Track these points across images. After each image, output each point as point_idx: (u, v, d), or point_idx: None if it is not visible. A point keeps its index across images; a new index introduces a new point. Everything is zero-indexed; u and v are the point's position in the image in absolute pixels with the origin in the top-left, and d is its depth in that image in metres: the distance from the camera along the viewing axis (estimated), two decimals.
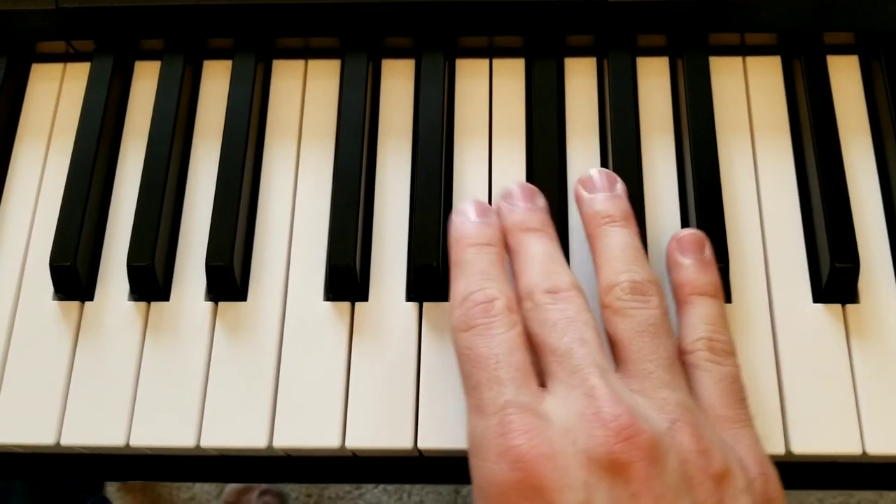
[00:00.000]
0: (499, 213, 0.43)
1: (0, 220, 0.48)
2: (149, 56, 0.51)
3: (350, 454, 0.43)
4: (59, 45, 0.51)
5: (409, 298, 0.44)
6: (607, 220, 0.41)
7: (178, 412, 0.43)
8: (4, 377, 0.44)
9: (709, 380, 0.38)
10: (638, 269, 0.40)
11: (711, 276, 0.41)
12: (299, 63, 0.51)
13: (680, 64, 0.49)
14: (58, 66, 0.52)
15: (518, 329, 0.38)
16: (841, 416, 0.41)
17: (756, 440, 0.38)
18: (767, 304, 0.44)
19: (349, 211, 0.45)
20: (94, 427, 0.43)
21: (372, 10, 0.48)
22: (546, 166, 0.46)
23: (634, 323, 0.38)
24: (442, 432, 0.42)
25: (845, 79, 0.49)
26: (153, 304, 0.45)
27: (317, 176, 0.48)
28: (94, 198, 0.47)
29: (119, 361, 0.44)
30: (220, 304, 0.45)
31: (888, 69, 0.47)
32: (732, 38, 0.49)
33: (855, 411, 0.41)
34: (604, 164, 0.47)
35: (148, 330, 0.44)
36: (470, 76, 0.50)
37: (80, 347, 0.44)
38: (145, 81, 0.51)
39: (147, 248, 0.44)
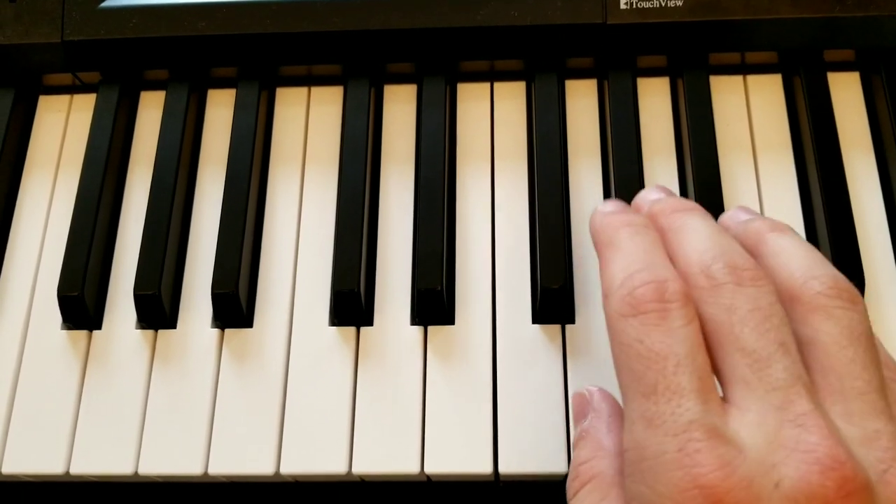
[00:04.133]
0: (641, 208, 0.39)
1: (9, 251, 0.48)
2: (154, 86, 0.52)
3: (358, 479, 0.43)
4: (65, 78, 0.52)
5: (413, 322, 0.45)
6: (775, 229, 0.36)
7: (185, 439, 0.43)
8: (14, 406, 0.44)
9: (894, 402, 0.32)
10: (834, 270, 0.33)
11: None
12: (302, 90, 0.51)
13: (680, 83, 0.49)
14: (64, 98, 0.52)
15: (697, 325, 0.31)
16: None
17: None
18: None
19: (353, 236, 0.45)
20: (102, 456, 0.43)
21: (373, 37, 0.48)
22: (548, 188, 0.46)
23: (842, 327, 0.31)
24: (448, 457, 0.42)
25: (846, 95, 0.49)
26: (160, 332, 0.45)
27: (321, 201, 0.48)
28: (100, 227, 0.47)
29: (127, 389, 0.44)
30: (227, 331, 0.45)
31: (889, 85, 0.47)
32: (733, 57, 0.49)
33: None
34: (606, 183, 0.47)
35: (155, 358, 0.45)
36: (471, 100, 0.50)
37: (89, 376, 0.45)
38: (151, 111, 0.52)
39: (153, 277, 0.45)
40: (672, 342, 0.30)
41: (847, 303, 0.32)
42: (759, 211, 0.46)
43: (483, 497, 0.46)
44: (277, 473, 0.42)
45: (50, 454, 0.43)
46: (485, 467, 0.41)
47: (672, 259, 0.34)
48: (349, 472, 0.42)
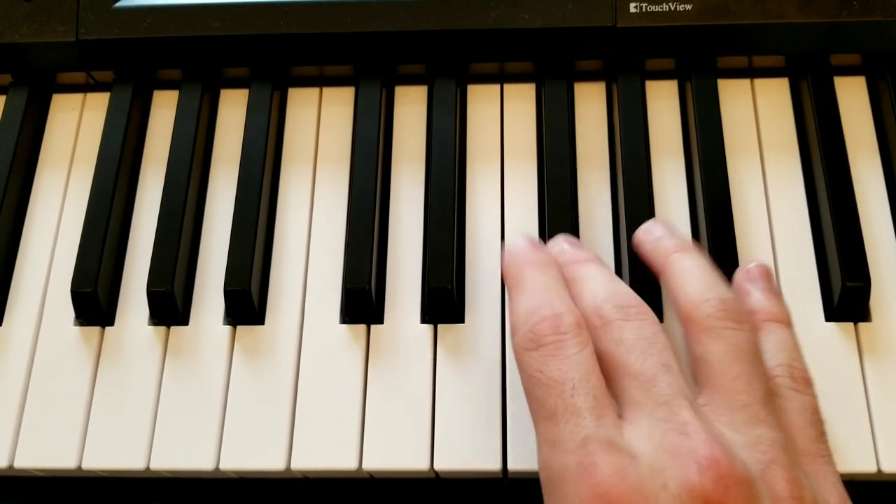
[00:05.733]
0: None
1: (23, 248, 0.49)
2: (167, 86, 0.53)
3: (367, 475, 0.44)
4: (79, 76, 0.52)
5: (423, 321, 0.45)
6: (679, 250, 0.40)
7: (197, 435, 0.43)
8: (27, 401, 0.45)
9: (791, 409, 0.36)
10: (725, 291, 0.37)
11: (782, 306, 0.40)
12: (314, 91, 0.52)
13: (689, 87, 0.49)
14: (78, 97, 0.53)
15: (590, 349, 0.35)
16: (855, 435, 0.41)
17: (838, 478, 0.35)
18: None
19: (364, 235, 0.45)
20: (114, 450, 0.43)
21: (384, 38, 0.49)
22: (557, 189, 0.46)
23: (729, 346, 0.35)
24: (458, 453, 0.42)
25: (853, 99, 0.49)
26: (172, 328, 0.46)
27: (332, 201, 0.49)
28: (114, 225, 0.48)
29: (139, 385, 0.44)
30: (239, 328, 0.46)
31: (895, 89, 0.48)
32: (740, 61, 0.50)
33: (869, 430, 0.41)
34: (614, 186, 0.48)
35: (167, 354, 0.45)
36: (482, 101, 0.51)
37: (101, 372, 0.45)
38: (164, 110, 0.52)
39: (166, 274, 0.45)
40: (568, 368, 0.34)
41: (735, 323, 0.36)
42: (766, 213, 0.46)
43: (489, 494, 0.46)
44: (288, 469, 0.42)
45: (62, 449, 0.43)
46: (494, 464, 0.42)
47: (575, 298, 0.38)
48: (359, 468, 0.42)
